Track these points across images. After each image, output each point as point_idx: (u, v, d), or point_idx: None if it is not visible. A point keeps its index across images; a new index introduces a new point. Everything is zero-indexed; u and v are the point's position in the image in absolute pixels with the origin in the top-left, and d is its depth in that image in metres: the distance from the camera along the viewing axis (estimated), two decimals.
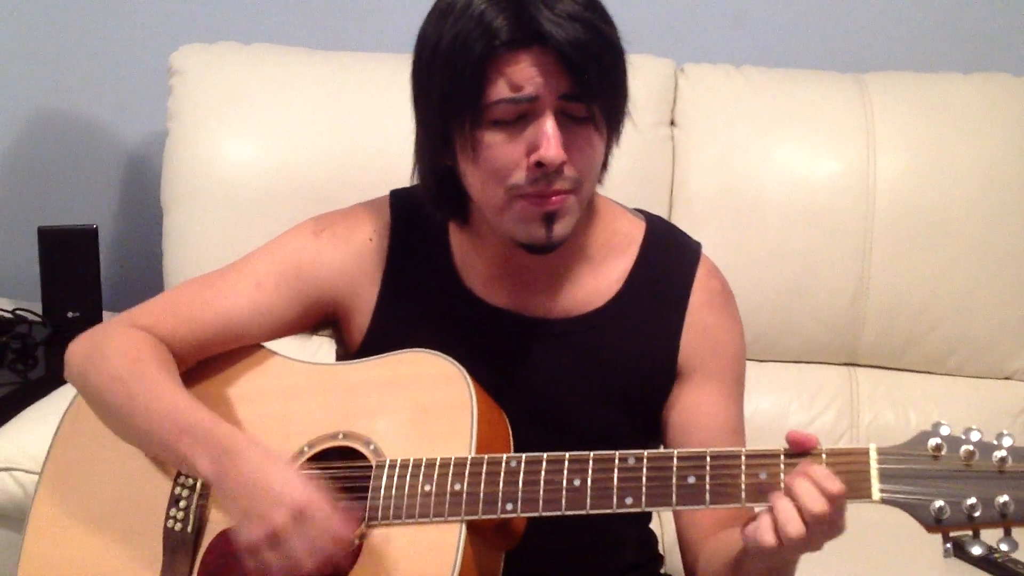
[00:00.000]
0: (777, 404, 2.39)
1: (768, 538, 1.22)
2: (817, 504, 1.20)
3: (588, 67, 1.32)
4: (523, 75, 1.31)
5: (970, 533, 1.21)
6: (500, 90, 1.32)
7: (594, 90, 1.34)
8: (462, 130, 1.35)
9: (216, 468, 1.35)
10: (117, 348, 1.47)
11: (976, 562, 1.94)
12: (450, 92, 1.33)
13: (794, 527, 1.20)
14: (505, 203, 1.37)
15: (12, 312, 2.64)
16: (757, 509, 1.26)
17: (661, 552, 1.72)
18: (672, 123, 2.47)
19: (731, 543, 1.36)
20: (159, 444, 1.41)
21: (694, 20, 2.74)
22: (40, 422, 2.07)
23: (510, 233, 1.40)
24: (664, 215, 2.02)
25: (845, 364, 2.45)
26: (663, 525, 1.94)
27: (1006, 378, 2.45)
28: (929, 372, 2.44)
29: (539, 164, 1.33)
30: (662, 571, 1.67)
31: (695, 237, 1.58)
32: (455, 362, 1.40)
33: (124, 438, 1.48)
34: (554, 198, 1.36)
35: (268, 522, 1.29)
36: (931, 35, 2.71)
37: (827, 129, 2.43)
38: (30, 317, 2.63)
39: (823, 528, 1.21)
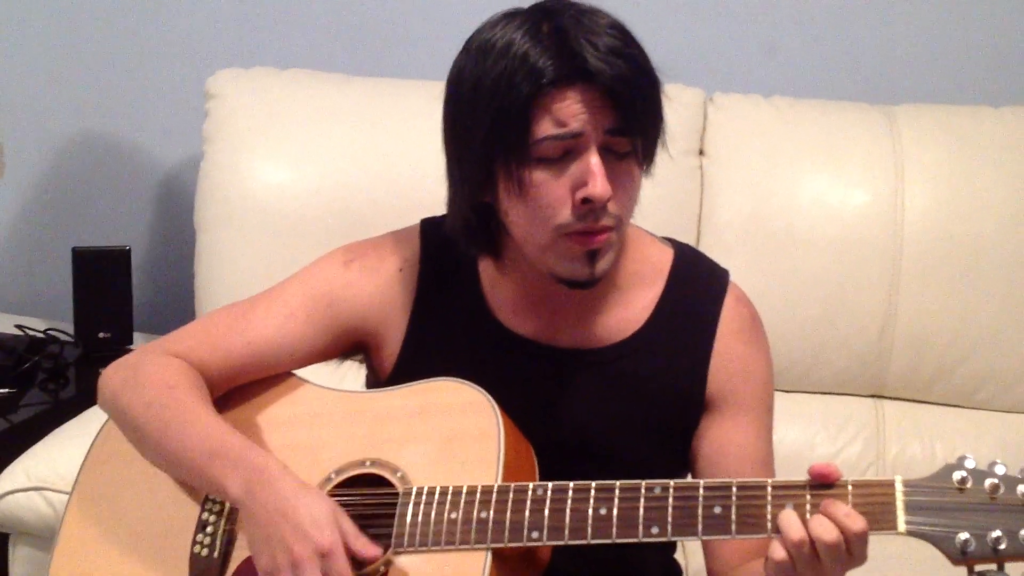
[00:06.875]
0: (803, 435, 2.37)
1: (779, 555, 1.23)
2: (832, 536, 1.21)
3: (634, 102, 1.33)
4: (568, 111, 1.32)
5: (995, 566, 1.22)
6: (545, 127, 1.33)
7: (639, 124, 1.35)
8: (507, 168, 1.35)
9: (246, 491, 1.36)
10: (152, 375, 1.49)
11: None
12: (495, 131, 1.34)
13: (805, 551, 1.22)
14: (550, 241, 1.38)
15: (44, 332, 2.66)
16: None
17: None
18: (701, 152, 2.47)
19: (754, 574, 1.36)
20: (190, 468, 1.43)
21: (725, 50, 2.74)
22: (70, 442, 2.08)
23: (551, 270, 1.41)
24: (692, 244, 2.02)
25: (872, 396, 2.43)
26: (687, 556, 1.94)
27: None
28: (957, 406, 2.41)
29: (585, 201, 1.34)
30: None
31: (723, 267, 1.58)
32: (483, 391, 1.41)
33: (156, 463, 1.49)
34: (598, 237, 1.36)
35: (290, 553, 1.30)
36: (961, 68, 2.70)
37: (856, 160, 2.42)
38: (62, 337, 2.65)
39: (843, 560, 1.22)
